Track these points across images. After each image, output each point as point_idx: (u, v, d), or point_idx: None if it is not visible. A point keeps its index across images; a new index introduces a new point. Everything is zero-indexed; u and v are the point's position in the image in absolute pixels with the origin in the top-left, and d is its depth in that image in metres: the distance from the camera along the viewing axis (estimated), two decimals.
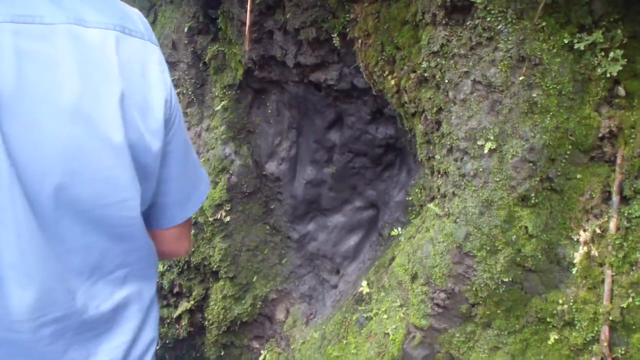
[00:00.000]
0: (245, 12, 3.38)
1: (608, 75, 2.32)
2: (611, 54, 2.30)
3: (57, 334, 1.39)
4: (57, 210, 1.29)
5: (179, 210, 1.71)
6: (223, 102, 3.95)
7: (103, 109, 1.28)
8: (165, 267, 4.49)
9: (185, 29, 4.00)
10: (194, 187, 1.72)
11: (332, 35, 3.22)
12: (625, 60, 2.29)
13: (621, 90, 2.36)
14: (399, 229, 3.14)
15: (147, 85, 1.41)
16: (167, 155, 1.53)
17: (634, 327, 2.35)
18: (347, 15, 3.12)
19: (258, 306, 4.30)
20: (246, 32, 3.26)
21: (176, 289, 4.52)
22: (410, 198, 3.36)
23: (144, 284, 1.69)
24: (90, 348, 1.50)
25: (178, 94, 4.12)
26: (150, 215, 1.69)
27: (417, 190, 3.26)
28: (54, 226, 1.30)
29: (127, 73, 1.36)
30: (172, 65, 4.16)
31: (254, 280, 4.23)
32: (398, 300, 2.88)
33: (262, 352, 4.36)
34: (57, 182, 1.25)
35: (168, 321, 4.56)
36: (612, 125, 2.37)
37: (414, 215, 3.30)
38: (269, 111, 3.99)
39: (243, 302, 4.28)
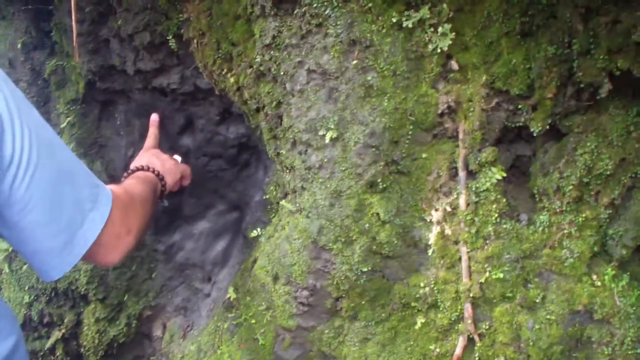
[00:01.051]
0: (76, 22, 3.21)
1: (439, 50, 2.29)
2: (440, 29, 2.27)
3: None
4: None
5: (53, 259, 1.58)
6: (69, 119, 3.75)
7: None
8: (32, 297, 4.26)
9: (19, 46, 3.78)
10: (74, 229, 1.58)
11: (168, 38, 3.09)
12: (454, 33, 2.26)
13: (454, 65, 2.33)
14: (259, 229, 3.04)
15: None
16: (19, 203, 1.43)
17: (494, 300, 2.34)
18: (180, 16, 2.99)
19: (133, 325, 4.13)
20: (74, 44, 3.09)
21: (46, 319, 4.29)
22: (267, 196, 3.27)
23: None
24: None
25: None
26: (33, 265, 1.60)
27: (272, 187, 3.18)
28: None
29: None
30: None
31: (125, 299, 4.06)
32: (263, 303, 2.79)
33: None
34: None
35: (41, 354, 4.33)
36: (450, 100, 2.34)
37: (273, 214, 3.21)
38: (118, 122, 3.82)
39: (117, 323, 4.10)
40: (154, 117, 2.93)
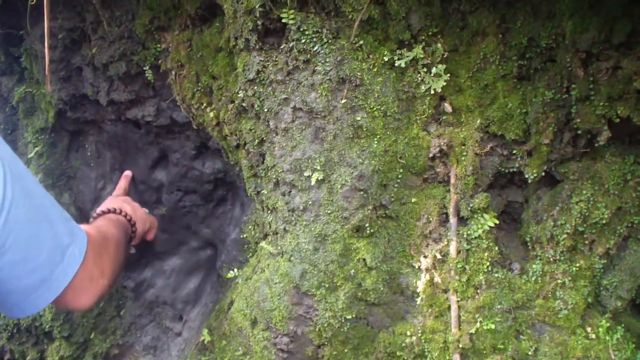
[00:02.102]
0: (49, 49, 3.09)
1: (432, 91, 2.22)
2: (433, 70, 2.19)
3: None
4: None
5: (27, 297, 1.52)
6: (37, 148, 3.61)
7: None
8: None
9: None
10: (53, 266, 1.52)
11: (144, 69, 2.98)
12: (448, 75, 2.19)
13: (447, 107, 2.25)
14: (236, 270, 2.92)
15: None
16: None
17: (484, 352, 2.25)
18: (158, 46, 2.88)
19: None
20: (46, 71, 2.96)
21: (7, 356, 4.12)
22: (245, 235, 3.15)
23: None
24: None
25: None
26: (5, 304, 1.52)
27: (250, 226, 3.07)
28: None
29: None
30: None
31: (91, 336, 3.91)
32: (240, 348, 2.67)
33: None
34: None
35: None
36: (442, 143, 2.26)
37: (250, 254, 3.10)
38: (89, 154, 3.69)
39: None
40: (127, 173, 2.86)
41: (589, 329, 2.18)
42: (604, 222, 2.12)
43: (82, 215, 3.75)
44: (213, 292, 3.65)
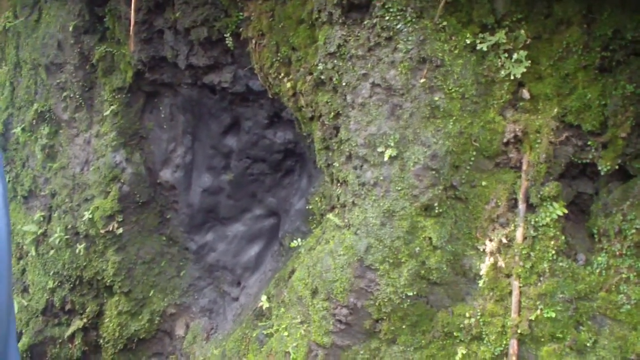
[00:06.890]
0: (135, 10, 3.16)
1: (512, 77, 2.22)
2: (515, 55, 2.20)
3: None
4: None
5: None
6: (113, 107, 3.71)
7: None
8: (56, 282, 4.22)
9: (71, 28, 3.73)
10: None
11: (225, 35, 3.04)
12: (529, 61, 2.20)
13: (526, 93, 2.26)
14: (299, 239, 2.97)
15: None
16: None
17: (542, 339, 2.26)
18: (241, 14, 2.93)
19: (156, 322, 4.08)
20: (130, 32, 3.04)
21: (68, 306, 4.25)
22: (310, 207, 3.20)
23: None
24: None
25: (65, 98, 3.85)
26: None
27: (317, 198, 3.11)
28: None
29: None
30: (58, 66, 3.89)
31: (150, 294, 4.01)
32: (298, 316, 2.72)
33: None
34: None
35: (60, 341, 4.28)
36: (517, 129, 2.27)
37: (315, 225, 3.14)
38: (162, 115, 3.77)
39: (140, 317, 4.05)
40: None
41: None
42: None
43: (152, 175, 3.84)
44: (273, 261, 3.71)
